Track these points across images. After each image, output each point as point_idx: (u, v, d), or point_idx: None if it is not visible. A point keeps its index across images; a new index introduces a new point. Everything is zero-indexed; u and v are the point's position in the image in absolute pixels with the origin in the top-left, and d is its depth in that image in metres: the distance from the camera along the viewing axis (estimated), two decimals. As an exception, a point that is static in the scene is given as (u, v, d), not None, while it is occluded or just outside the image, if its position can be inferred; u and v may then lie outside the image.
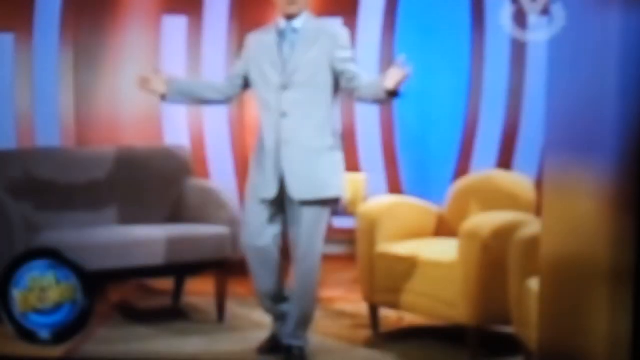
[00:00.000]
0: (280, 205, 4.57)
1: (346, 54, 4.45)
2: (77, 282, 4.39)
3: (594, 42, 3.41)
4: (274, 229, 4.59)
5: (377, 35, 6.78)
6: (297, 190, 4.49)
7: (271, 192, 4.52)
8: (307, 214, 4.50)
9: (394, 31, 6.76)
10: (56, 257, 4.38)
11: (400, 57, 4.23)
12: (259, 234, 4.58)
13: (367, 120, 6.86)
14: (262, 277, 4.62)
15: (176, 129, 6.73)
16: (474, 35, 6.63)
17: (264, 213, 4.56)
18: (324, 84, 4.45)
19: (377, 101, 4.42)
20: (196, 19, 6.71)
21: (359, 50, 6.59)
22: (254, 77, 4.56)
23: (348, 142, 6.30)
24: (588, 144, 3.46)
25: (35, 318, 4.40)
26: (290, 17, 4.48)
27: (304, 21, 4.50)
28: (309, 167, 4.48)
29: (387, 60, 6.65)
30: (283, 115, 4.45)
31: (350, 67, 4.44)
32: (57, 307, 4.39)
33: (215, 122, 6.78)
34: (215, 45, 6.71)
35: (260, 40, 4.56)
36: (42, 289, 4.38)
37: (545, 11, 3.70)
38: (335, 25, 4.73)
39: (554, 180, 3.70)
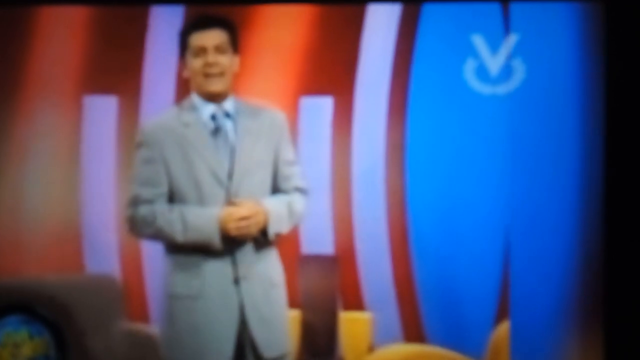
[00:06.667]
0: None
1: (292, 153, 4.14)
2: (49, 337, 4.75)
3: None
4: None
5: (382, 121, 6.13)
6: (267, 344, 3.94)
7: (225, 356, 3.89)
8: None
9: (405, 113, 6.11)
10: (29, 312, 4.72)
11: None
12: None
13: (371, 237, 6.14)
14: None
15: (102, 252, 6.02)
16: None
17: None
18: (268, 189, 4.06)
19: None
20: (131, 98, 6.11)
21: (356, 140, 6.06)
22: (182, 191, 3.95)
23: (345, 268, 6.13)
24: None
25: (8, 376, 4.75)
26: (214, 98, 3.95)
27: (233, 103, 4.01)
28: (272, 309, 4.01)
29: (395, 154, 6.15)
30: (237, 242, 3.96)
31: (296, 171, 4.13)
32: (31, 363, 4.71)
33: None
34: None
35: (180, 135, 3.93)
36: (15, 345, 4.71)
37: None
38: (274, 109, 4.21)
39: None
